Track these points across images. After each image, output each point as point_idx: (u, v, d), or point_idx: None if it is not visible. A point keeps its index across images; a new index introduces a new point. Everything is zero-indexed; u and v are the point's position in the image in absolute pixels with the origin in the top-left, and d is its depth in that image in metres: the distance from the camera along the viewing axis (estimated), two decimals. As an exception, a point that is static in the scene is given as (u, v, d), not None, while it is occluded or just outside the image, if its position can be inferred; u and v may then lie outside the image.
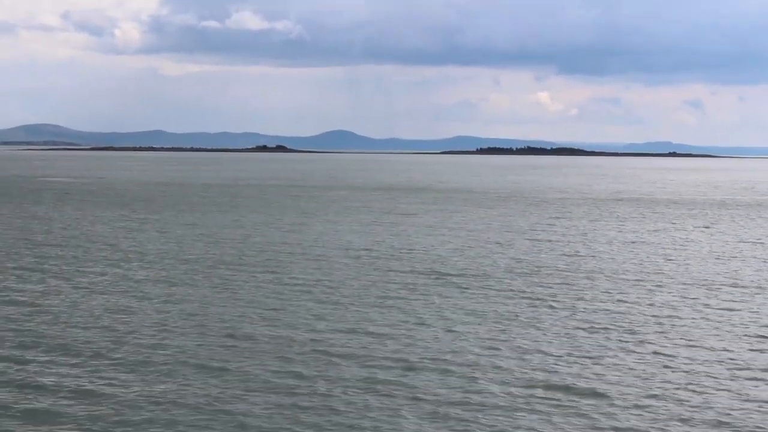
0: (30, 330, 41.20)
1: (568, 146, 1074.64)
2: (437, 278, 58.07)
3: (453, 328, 42.74)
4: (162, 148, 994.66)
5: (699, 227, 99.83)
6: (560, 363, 36.56)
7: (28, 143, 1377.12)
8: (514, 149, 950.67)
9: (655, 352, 38.52)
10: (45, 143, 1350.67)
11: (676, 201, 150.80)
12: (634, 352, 38.67)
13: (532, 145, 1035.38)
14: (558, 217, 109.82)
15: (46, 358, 36.15)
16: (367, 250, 72.60)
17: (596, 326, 43.67)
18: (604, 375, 34.93)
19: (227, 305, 47.80)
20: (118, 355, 36.66)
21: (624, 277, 59.94)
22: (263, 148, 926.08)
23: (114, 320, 43.43)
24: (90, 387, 32.26)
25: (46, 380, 32.99)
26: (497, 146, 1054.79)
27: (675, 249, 76.91)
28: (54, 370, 34.29)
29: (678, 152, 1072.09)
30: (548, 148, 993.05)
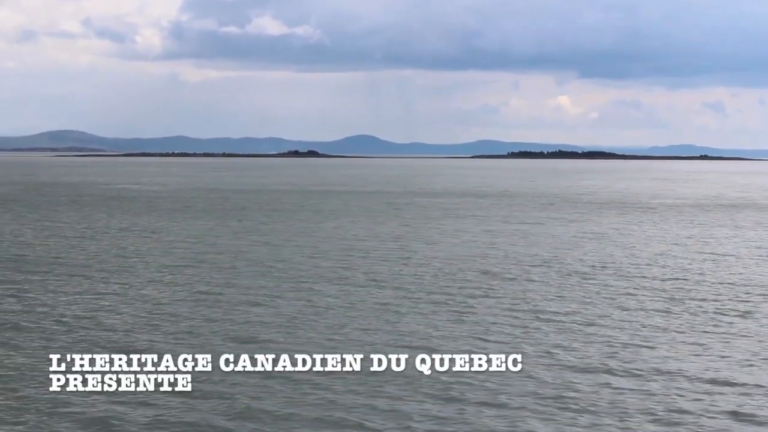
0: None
1: (592, 149, 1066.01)
2: (680, 299, 51.44)
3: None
4: (194, 153, 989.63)
5: None
6: None
7: (52, 149, 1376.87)
8: (546, 153, 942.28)
9: None
10: (69, 149, 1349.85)
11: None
12: None
13: (555, 149, 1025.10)
14: (700, 225, 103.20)
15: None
16: (557, 263, 65.96)
17: None
18: None
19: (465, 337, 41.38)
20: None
21: None
22: (295, 153, 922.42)
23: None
24: None
25: None
26: (525, 150, 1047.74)
27: None
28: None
29: (708, 155, 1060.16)
30: (579, 151, 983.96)
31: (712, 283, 57.00)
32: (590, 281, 57.78)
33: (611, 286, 55.86)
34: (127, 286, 54.36)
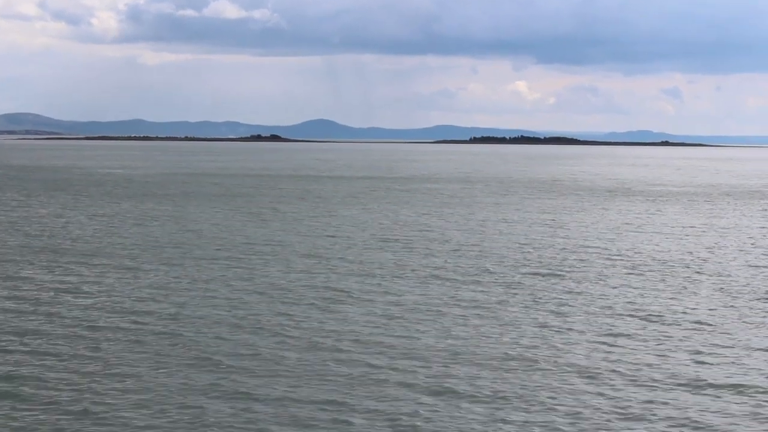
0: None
1: (552, 135, 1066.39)
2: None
3: None
4: (156, 137, 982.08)
5: None
6: None
7: (8, 132, 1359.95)
8: (508, 138, 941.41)
9: None
10: (26, 132, 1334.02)
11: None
12: None
13: (513, 134, 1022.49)
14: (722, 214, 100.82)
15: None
16: (566, 254, 62.97)
17: None
18: None
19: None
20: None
21: None
22: (258, 137, 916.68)
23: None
24: None
25: None
26: (485, 135, 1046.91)
27: None
28: None
29: (669, 141, 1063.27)
30: (540, 137, 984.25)
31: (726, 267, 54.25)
32: (604, 274, 55.41)
33: (623, 279, 53.63)
34: (127, 283, 51.47)
